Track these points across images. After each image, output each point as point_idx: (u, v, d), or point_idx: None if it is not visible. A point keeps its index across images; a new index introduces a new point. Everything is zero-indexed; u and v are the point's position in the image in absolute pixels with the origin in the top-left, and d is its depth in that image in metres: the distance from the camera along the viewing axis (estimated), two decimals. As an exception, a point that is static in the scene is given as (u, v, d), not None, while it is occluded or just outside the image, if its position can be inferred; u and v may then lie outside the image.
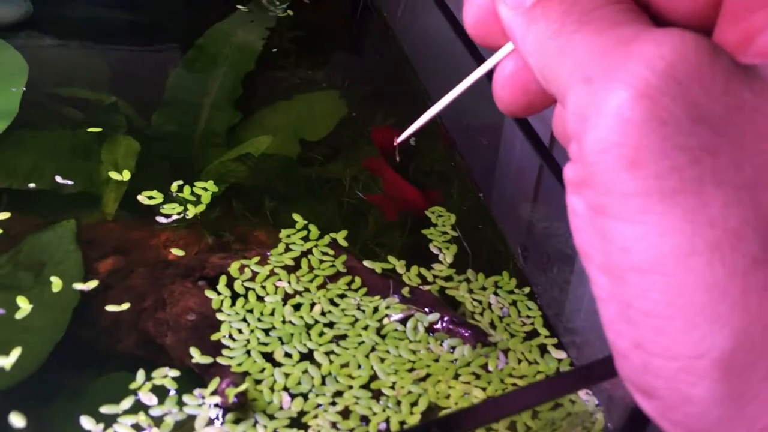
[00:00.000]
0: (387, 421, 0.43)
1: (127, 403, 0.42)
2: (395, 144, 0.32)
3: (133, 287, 0.51)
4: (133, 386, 0.43)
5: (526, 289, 0.53)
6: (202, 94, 0.69)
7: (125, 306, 0.48)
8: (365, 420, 0.43)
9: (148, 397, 0.42)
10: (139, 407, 0.42)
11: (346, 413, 0.43)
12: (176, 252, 0.52)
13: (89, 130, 0.61)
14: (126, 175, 0.57)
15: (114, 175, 0.57)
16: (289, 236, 0.54)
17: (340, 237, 0.54)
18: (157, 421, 0.41)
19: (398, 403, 0.44)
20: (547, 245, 0.55)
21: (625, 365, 0.19)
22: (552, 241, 0.55)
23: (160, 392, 0.42)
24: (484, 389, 0.45)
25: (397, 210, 0.58)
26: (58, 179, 0.56)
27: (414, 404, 0.44)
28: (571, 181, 0.19)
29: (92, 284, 0.49)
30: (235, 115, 0.67)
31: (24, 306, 0.47)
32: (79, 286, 0.49)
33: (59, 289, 0.49)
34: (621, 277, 0.18)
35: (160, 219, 0.53)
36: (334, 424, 0.42)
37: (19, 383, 0.43)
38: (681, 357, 0.17)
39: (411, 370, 0.46)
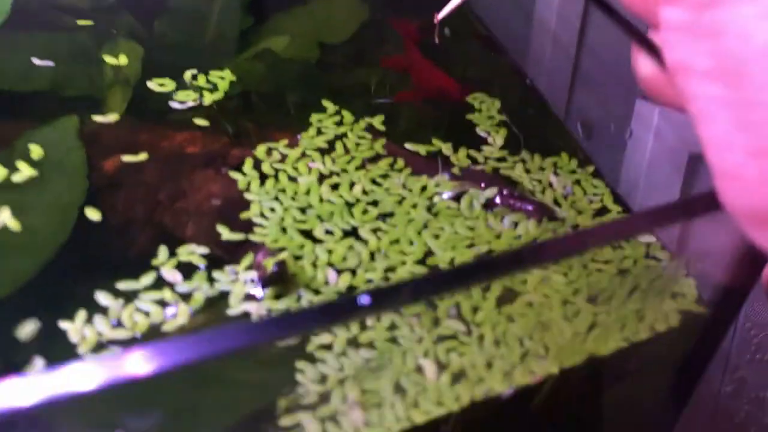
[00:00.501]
0: (449, 296, 0.37)
1: (147, 279, 0.36)
2: (436, 21, 0.28)
3: (146, 182, 0.45)
4: (154, 263, 0.37)
5: (590, 168, 0.47)
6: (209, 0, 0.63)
7: (138, 202, 0.43)
8: (424, 297, 0.37)
9: (172, 274, 0.36)
10: (162, 284, 0.36)
11: (402, 288, 0.37)
12: (193, 147, 0.46)
13: (80, 23, 0.55)
14: (133, 71, 0.51)
15: (120, 66, 0.51)
16: (320, 120, 0.48)
17: (377, 121, 0.48)
18: (185, 297, 0.35)
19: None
20: (608, 123, 0.50)
21: (736, 187, 0.18)
22: (614, 119, 0.49)
23: (186, 270, 0.37)
24: (565, 274, 0.39)
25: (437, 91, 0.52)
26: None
27: (486, 289, 0.38)
28: None
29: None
30: (247, 19, 0.61)
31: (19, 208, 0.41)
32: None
33: (62, 187, 0.43)
34: (738, 72, 0.17)
35: (174, 105, 0.47)
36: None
37: (18, 290, 0.37)
38: None
39: (470, 245, 0.40)
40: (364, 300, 0.24)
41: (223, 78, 0.50)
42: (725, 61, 0.17)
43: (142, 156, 0.45)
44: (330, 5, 0.65)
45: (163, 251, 0.37)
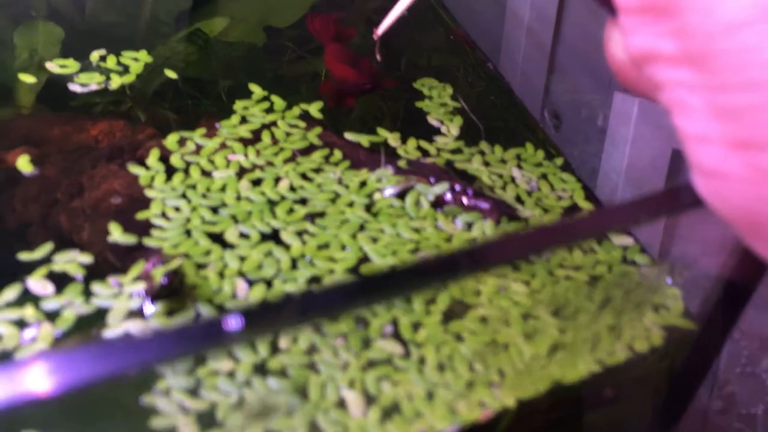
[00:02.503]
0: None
1: (10, 293, 0.29)
2: (375, 37, 0.26)
3: (47, 177, 0.38)
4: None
5: (559, 161, 0.40)
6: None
7: (35, 201, 0.36)
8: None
9: (41, 286, 0.29)
10: (27, 298, 0.29)
11: (327, 302, 0.31)
12: (99, 138, 0.39)
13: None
14: (49, 55, 0.44)
15: (36, 50, 0.44)
16: (246, 108, 0.41)
17: (314, 108, 0.42)
18: (52, 315, 0.28)
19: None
20: (579, 111, 0.43)
21: (720, 186, 0.16)
22: (588, 110, 0.43)
23: (60, 280, 0.30)
24: (527, 282, 0.33)
25: (338, 92, 0.45)
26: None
27: (431, 302, 0.31)
28: None
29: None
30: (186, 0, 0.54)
31: None
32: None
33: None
34: (705, 52, 0.15)
35: (74, 88, 0.41)
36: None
37: None
38: None
39: (415, 250, 0.34)
40: (232, 323, 0.18)
41: (137, 60, 0.43)
42: (690, 41, 0.15)
43: (47, 148, 0.38)
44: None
45: (31, 254, 0.31)
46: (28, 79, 0.42)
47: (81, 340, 0.27)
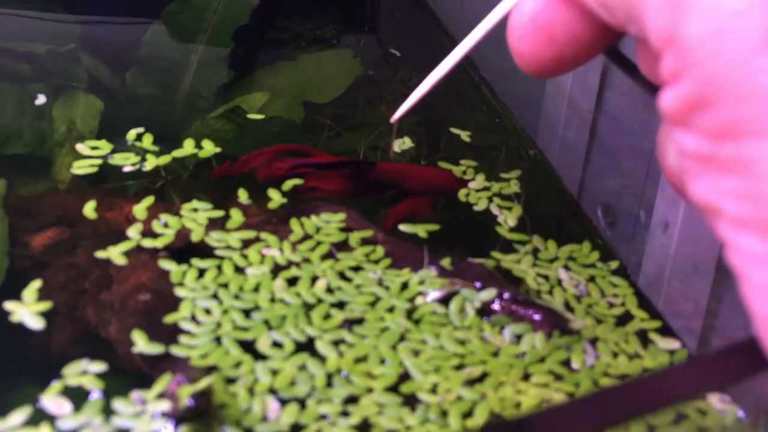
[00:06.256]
0: (427, 439, 0.28)
1: (19, 415, 0.27)
2: (392, 121, 0.25)
3: (76, 264, 0.37)
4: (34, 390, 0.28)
5: (614, 264, 0.38)
6: (186, 50, 0.55)
7: (62, 289, 0.34)
8: (394, 438, 0.28)
9: (57, 404, 0.27)
10: (41, 417, 0.27)
11: (365, 428, 0.28)
12: (137, 217, 0.37)
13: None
14: (87, 129, 0.43)
15: (74, 122, 0.43)
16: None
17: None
18: (68, 437, 0.26)
19: (443, 413, 0.29)
20: (631, 207, 0.41)
21: None
22: (636, 201, 0.41)
23: (78, 396, 0.28)
24: (571, 394, 0.30)
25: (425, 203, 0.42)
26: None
27: (467, 415, 0.29)
28: (673, 109, 0.14)
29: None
30: (226, 73, 0.53)
31: None
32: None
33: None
34: None
35: (116, 168, 0.39)
36: (346, 446, 0.27)
37: None
38: None
39: (460, 367, 0.31)
40: None
41: (174, 146, 0.42)
42: (761, 209, 0.13)
43: (79, 230, 0.37)
44: (319, 59, 0.58)
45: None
46: (66, 153, 0.41)
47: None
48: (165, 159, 0.40)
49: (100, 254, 0.35)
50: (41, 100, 0.45)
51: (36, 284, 0.34)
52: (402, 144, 0.46)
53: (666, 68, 0.14)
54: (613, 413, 0.19)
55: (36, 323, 0.32)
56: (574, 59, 0.17)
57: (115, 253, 0.35)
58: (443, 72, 0.21)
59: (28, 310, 0.32)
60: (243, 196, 0.39)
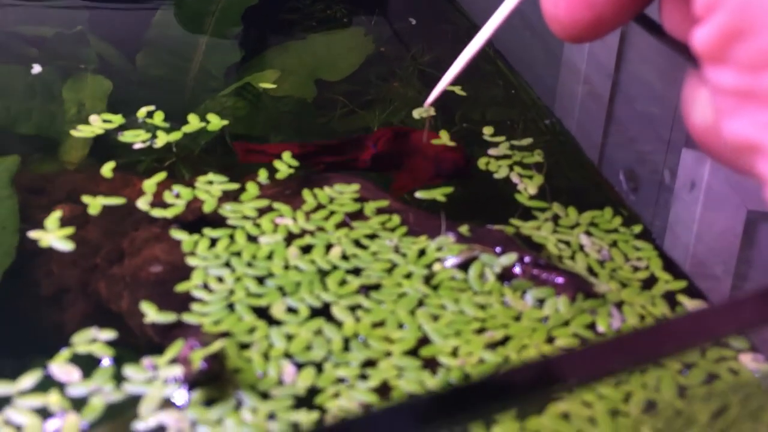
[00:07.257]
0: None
1: (28, 380, 0.26)
2: (426, 106, 0.27)
3: (87, 240, 0.36)
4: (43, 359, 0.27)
5: (637, 229, 0.37)
6: (196, 32, 0.55)
7: (73, 265, 0.34)
8: (415, 402, 0.27)
9: (65, 371, 0.26)
10: (49, 384, 0.26)
11: (384, 391, 0.27)
12: (146, 192, 0.37)
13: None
14: (97, 109, 0.42)
15: (84, 103, 0.43)
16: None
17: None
18: (77, 403, 0.25)
19: (466, 377, 0.28)
20: (654, 171, 0.40)
21: None
22: (659, 165, 0.39)
23: (87, 363, 0.27)
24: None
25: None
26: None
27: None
28: (708, 45, 0.14)
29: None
30: (236, 53, 0.52)
31: None
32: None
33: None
34: None
35: (124, 145, 0.39)
36: (367, 408, 0.26)
37: None
38: None
39: (481, 330, 0.30)
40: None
41: (186, 121, 0.41)
42: None
43: (92, 208, 0.36)
44: (330, 38, 0.57)
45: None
46: (76, 134, 0.40)
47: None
48: (176, 135, 0.40)
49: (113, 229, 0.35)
50: (36, 69, 0.45)
51: (57, 214, 0.35)
52: (424, 113, 0.45)
53: (700, 3, 0.13)
54: (641, 354, 0.18)
55: (65, 246, 0.33)
56: (614, 19, 0.16)
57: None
58: (473, 52, 0.22)
59: (54, 235, 0.34)
60: (263, 175, 0.38)
